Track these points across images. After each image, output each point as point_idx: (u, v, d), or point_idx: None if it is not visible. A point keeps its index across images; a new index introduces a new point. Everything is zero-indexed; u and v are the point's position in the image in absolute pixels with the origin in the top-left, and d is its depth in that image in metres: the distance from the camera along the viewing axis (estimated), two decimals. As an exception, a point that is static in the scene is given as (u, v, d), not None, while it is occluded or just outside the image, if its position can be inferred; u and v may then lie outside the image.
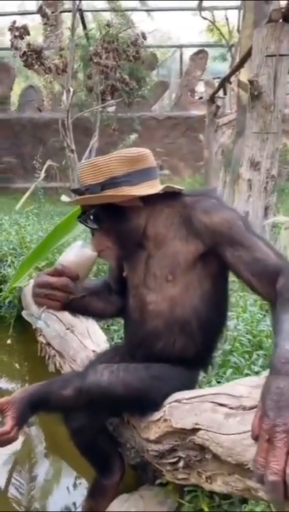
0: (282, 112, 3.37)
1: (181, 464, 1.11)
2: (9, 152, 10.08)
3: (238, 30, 7.76)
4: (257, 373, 1.61)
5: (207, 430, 0.95)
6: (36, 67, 4.98)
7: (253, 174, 3.49)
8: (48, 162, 7.79)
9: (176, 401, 1.11)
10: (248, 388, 0.93)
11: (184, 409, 1.05)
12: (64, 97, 6.89)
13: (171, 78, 11.19)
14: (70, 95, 4.40)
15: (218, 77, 7.89)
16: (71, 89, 4.43)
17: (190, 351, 1.28)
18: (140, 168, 1.20)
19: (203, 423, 0.97)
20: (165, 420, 1.13)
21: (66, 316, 2.05)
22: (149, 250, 1.27)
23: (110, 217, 1.21)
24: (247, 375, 1.64)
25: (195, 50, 10.14)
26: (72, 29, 4.39)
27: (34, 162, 6.52)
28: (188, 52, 10.56)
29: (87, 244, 1.24)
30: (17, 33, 4.01)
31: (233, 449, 0.87)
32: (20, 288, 2.71)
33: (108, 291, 1.51)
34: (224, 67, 9.34)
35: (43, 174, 7.43)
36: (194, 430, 1.00)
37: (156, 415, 1.19)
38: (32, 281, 2.63)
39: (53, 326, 2.01)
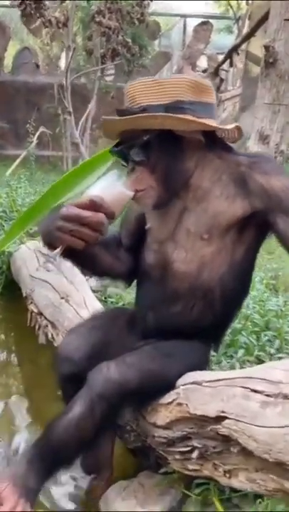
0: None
1: (195, 454, 0.97)
2: (1, 117, 9.66)
3: (247, 2, 7.42)
4: (271, 356, 1.47)
5: (236, 420, 0.80)
6: (35, 25, 4.66)
7: (261, 148, 3.31)
8: (41, 129, 7.48)
9: (194, 383, 0.96)
10: (287, 373, 0.79)
11: (205, 393, 0.90)
12: (63, 56, 6.55)
13: (173, 49, 10.79)
14: (70, 53, 4.10)
15: (222, 52, 7.60)
16: (72, 46, 4.13)
17: (207, 320, 1.16)
18: (206, 101, 1.04)
19: (232, 411, 0.81)
20: (179, 404, 0.98)
21: (61, 283, 1.88)
22: (185, 202, 1.12)
23: (164, 149, 1.04)
24: (259, 356, 1.51)
25: (199, 21, 9.73)
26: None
27: (28, 126, 6.20)
28: (192, 24, 10.15)
29: (121, 179, 1.02)
30: (16, -21, 3.69)
31: (272, 445, 0.72)
32: (9, 253, 2.53)
33: (118, 246, 1.34)
34: (228, 42, 8.99)
35: (35, 141, 7.14)
36: (219, 419, 0.84)
37: (167, 397, 1.05)
38: (23, 246, 2.45)
39: (46, 294, 1.84)
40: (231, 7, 8.13)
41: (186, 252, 1.12)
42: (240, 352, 1.48)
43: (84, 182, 1.72)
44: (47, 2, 4.19)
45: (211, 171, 1.10)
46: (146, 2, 5.25)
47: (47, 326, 1.80)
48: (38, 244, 2.43)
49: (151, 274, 1.20)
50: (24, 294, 2.08)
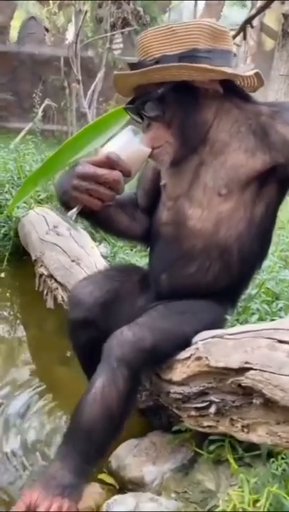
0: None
1: (212, 409, 0.96)
2: (5, 88, 9.47)
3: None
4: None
5: (262, 370, 0.78)
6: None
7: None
8: (46, 101, 7.34)
9: (215, 337, 0.94)
10: (314, 324, 0.76)
11: (227, 345, 0.88)
12: (70, 30, 6.38)
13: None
14: (80, 17, 3.98)
15: (234, 29, 7.39)
16: (83, 10, 4.01)
17: (223, 281, 1.13)
18: (223, 49, 0.98)
19: (257, 362, 0.80)
20: (198, 358, 0.96)
21: (72, 247, 1.85)
22: (202, 156, 1.07)
23: (180, 102, 0.99)
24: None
25: (211, -6, 9.45)
26: None
27: (34, 96, 6.08)
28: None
29: (138, 136, 0.98)
30: None
31: (300, 393, 0.70)
32: (17, 218, 2.49)
33: (134, 206, 1.31)
34: (241, 17, 8.76)
35: (40, 113, 7.02)
36: (242, 370, 0.83)
37: (184, 353, 1.03)
38: (31, 211, 2.42)
39: (57, 257, 1.81)
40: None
41: (202, 208, 1.08)
42: (254, 318, 1.46)
43: (97, 140, 1.67)
44: None
45: (229, 123, 1.05)
46: None
47: (57, 288, 1.78)
48: (46, 210, 2.40)
49: (165, 232, 1.16)
50: (34, 258, 2.05)
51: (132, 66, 1.00)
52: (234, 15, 9.86)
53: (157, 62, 0.95)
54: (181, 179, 1.11)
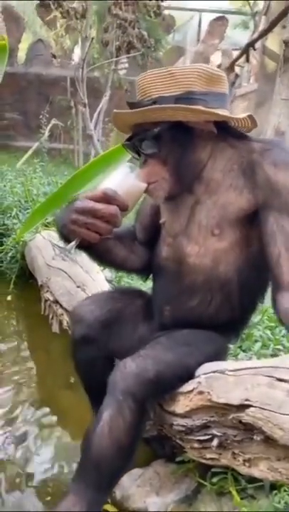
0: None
1: (215, 442, 0.97)
2: (13, 108, 9.66)
3: (264, -3, 7.31)
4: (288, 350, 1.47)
5: (261, 408, 0.80)
6: (50, 17, 4.64)
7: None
8: (53, 121, 7.48)
9: (216, 371, 0.96)
10: (313, 363, 0.78)
11: (228, 381, 0.90)
12: (76, 51, 6.51)
13: (186, 44, 10.71)
14: (87, 44, 4.09)
15: (237, 48, 7.52)
16: (89, 37, 4.12)
17: (225, 314, 1.16)
18: (218, 91, 1.02)
19: (256, 399, 0.81)
20: (201, 393, 0.98)
21: (77, 272, 1.89)
22: (198, 195, 1.11)
23: (175, 141, 1.03)
24: (275, 350, 1.51)
25: (215, 16, 9.64)
26: None
27: (41, 117, 6.20)
28: (207, 19, 10.06)
29: (135, 172, 1.02)
30: None
31: (299, 433, 0.72)
32: (24, 242, 2.53)
33: (132, 239, 1.35)
34: (244, 38, 8.90)
35: (47, 133, 7.14)
36: (243, 407, 0.84)
37: (187, 386, 1.05)
38: (38, 235, 2.46)
39: (63, 282, 1.84)
40: (248, 2, 8.02)
41: (198, 246, 1.11)
42: (257, 345, 1.47)
43: (101, 175, 1.73)
44: (65, -7, 4.19)
45: (223, 162, 1.08)
46: (163, -5, 5.20)
47: (62, 314, 1.81)
48: (52, 233, 2.44)
49: (167, 267, 1.20)
50: (40, 283, 2.09)
51: (131, 105, 1.04)
52: (237, 35, 10.03)
53: (155, 102, 0.99)
54: (179, 217, 1.15)
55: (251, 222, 1.06)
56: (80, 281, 1.80)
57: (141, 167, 1.08)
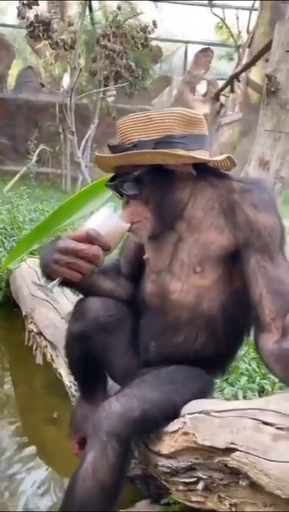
0: (298, 112, 3.23)
1: (200, 485, 0.95)
2: (2, 133, 9.73)
3: (248, 31, 7.62)
4: (274, 384, 1.46)
5: (247, 452, 0.78)
6: (39, 45, 4.73)
7: (260, 174, 3.34)
8: (41, 146, 7.55)
9: (202, 412, 0.94)
10: (299, 406, 0.78)
11: (213, 423, 0.88)
12: (65, 79, 6.63)
13: (173, 74, 11.00)
14: (76, 73, 4.17)
15: (222, 78, 7.76)
16: (78, 67, 4.20)
17: (211, 349, 1.15)
18: (196, 133, 1.05)
19: (242, 443, 0.80)
20: (185, 433, 0.96)
21: (62, 304, 1.86)
22: (180, 233, 1.12)
23: (156, 183, 1.06)
24: (261, 384, 1.49)
25: (200, 47, 9.96)
26: (85, 3, 4.16)
27: (29, 143, 6.25)
28: (193, 50, 10.39)
29: (117, 212, 1.06)
30: (25, 1, 3.75)
31: (285, 481, 0.71)
32: (9, 270, 2.51)
33: (117, 273, 1.36)
34: (228, 69, 9.20)
35: (35, 157, 7.19)
36: (228, 450, 0.83)
37: (172, 426, 1.02)
38: (24, 263, 2.43)
39: (47, 314, 1.82)
40: (232, 35, 8.33)
41: (181, 283, 1.12)
42: (243, 379, 1.46)
43: (91, 204, 1.74)
44: (55, 25, 4.28)
45: (204, 200, 1.10)
46: (150, 28, 5.37)
47: (46, 346, 1.78)
48: (37, 262, 2.42)
49: (151, 303, 1.20)
50: (24, 313, 2.06)
51: (112, 149, 1.07)
52: (222, 66, 10.36)
53: (135, 146, 1.01)
54: (162, 254, 1.16)
55: (233, 260, 1.08)
56: (64, 313, 1.78)
57: (123, 207, 1.11)
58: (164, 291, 1.15)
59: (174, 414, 1.04)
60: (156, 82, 9.66)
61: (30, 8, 3.88)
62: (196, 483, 0.97)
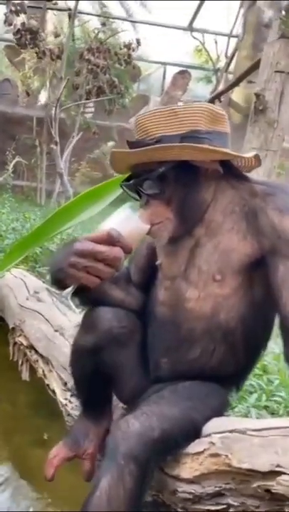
0: (285, 131, 3.29)
1: (230, 514, 0.85)
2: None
3: (226, 55, 7.83)
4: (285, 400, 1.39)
5: (298, 476, 0.70)
6: (18, 58, 4.66)
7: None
8: (17, 158, 7.44)
9: (234, 431, 0.85)
10: None
11: (252, 443, 0.80)
12: (43, 92, 6.59)
13: (151, 94, 11.15)
14: (61, 84, 4.11)
15: (199, 101, 7.88)
16: (64, 77, 4.14)
17: (229, 364, 1.08)
18: (221, 130, 0.99)
19: (290, 466, 0.72)
20: (214, 455, 0.86)
21: (54, 315, 1.75)
22: (197, 237, 1.05)
23: (180, 181, 0.99)
24: (273, 401, 1.42)
25: (178, 69, 10.15)
26: (73, 15, 4.14)
27: (7, 153, 6.12)
28: (171, 71, 10.56)
29: (137, 212, 0.98)
30: (13, 8, 3.68)
31: None
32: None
33: (127, 281, 1.27)
34: (206, 92, 9.40)
35: (10, 169, 7.07)
36: (272, 474, 0.74)
37: (195, 446, 0.93)
38: (8, 274, 2.30)
39: (39, 326, 1.69)
40: (211, 59, 8.56)
41: (198, 291, 1.04)
42: (253, 397, 1.38)
43: (89, 211, 1.64)
44: (42, 34, 4.24)
45: (224, 203, 1.05)
46: (134, 45, 5.42)
47: (37, 361, 1.65)
48: (24, 273, 2.29)
49: (163, 313, 1.12)
50: (12, 326, 1.92)
51: (132, 145, 1.00)
52: (200, 89, 10.57)
53: (158, 141, 0.95)
54: (177, 259, 1.09)
55: (255, 268, 1.01)
56: (57, 325, 1.66)
57: (143, 208, 1.03)
58: (179, 300, 1.07)
59: (195, 433, 0.96)
60: (135, 101, 9.73)
61: (18, 15, 3.81)
62: (224, 511, 0.87)
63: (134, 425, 0.90)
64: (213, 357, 1.07)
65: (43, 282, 2.08)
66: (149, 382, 1.17)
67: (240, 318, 1.05)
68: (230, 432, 0.86)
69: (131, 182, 1.03)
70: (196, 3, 7.32)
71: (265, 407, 1.40)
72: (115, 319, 1.17)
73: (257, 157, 1.07)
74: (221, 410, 1.05)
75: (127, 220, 0.94)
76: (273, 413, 1.33)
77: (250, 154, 1.05)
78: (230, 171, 1.05)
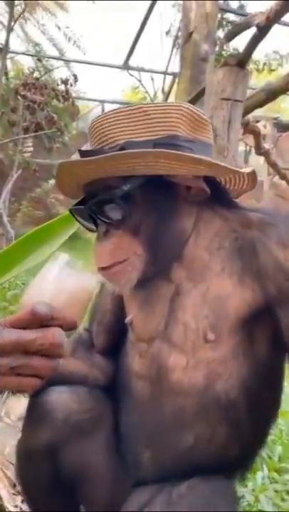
0: (235, 158, 3.21)
1: None
2: None
3: (163, 91, 8.00)
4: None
5: None
6: None
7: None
8: None
9: None
10: None
11: None
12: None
13: (90, 132, 11.16)
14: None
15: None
16: (-1, 112, 3.89)
17: (233, 449, 0.82)
18: (204, 141, 0.78)
19: None
20: None
21: None
22: (178, 282, 0.80)
23: (152, 202, 0.75)
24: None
25: (117, 106, 10.25)
26: (5, 49, 3.94)
27: None
28: (109, 109, 10.65)
29: (76, 262, 0.65)
30: None
31: None
32: None
33: (88, 348, 0.97)
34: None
35: None
36: None
37: None
38: None
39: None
40: (149, 95, 8.74)
41: (186, 356, 0.79)
42: (259, 475, 1.10)
43: (33, 256, 1.33)
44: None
45: (208, 236, 0.81)
46: (71, 81, 5.31)
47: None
48: None
49: (141, 388, 0.84)
50: None
51: (86, 154, 0.75)
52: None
53: (122, 148, 0.72)
54: (154, 313, 0.82)
55: (257, 318, 0.77)
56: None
57: (100, 240, 0.76)
58: (160, 369, 0.80)
59: None
60: (75, 139, 9.64)
61: None
62: None
63: None
64: (212, 443, 0.80)
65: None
66: (128, 486, 0.86)
67: (243, 387, 0.79)
68: None
69: (84, 205, 0.77)
70: (130, 41, 7.42)
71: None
72: (74, 401, 0.87)
73: (252, 175, 0.84)
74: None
75: (65, 278, 0.62)
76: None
77: (247, 170, 0.82)
78: (217, 194, 0.82)
